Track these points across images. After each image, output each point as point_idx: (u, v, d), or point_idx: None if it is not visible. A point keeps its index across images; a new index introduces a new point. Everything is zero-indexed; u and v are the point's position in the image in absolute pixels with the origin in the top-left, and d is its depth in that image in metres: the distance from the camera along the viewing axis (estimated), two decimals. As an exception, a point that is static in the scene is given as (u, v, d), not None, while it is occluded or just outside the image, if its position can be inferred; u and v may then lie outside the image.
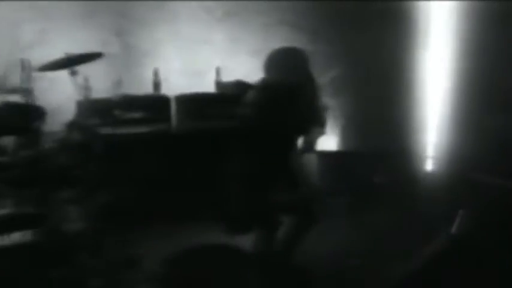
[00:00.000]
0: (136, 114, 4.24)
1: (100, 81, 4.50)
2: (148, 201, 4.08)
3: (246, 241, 3.39)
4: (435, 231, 3.31)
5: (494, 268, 2.87)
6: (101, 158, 3.55)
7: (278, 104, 3.12)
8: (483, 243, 3.03)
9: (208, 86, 4.74)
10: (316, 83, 3.28)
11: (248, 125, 3.18)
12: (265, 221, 3.27)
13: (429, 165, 5.51)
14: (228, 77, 4.64)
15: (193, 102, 4.45)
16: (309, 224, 3.29)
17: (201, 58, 4.89)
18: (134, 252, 3.49)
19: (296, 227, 3.29)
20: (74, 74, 3.47)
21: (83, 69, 4.08)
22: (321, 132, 3.52)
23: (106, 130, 3.98)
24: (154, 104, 4.40)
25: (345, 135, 5.37)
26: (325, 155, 4.90)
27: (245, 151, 3.20)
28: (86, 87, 4.21)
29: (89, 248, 3.41)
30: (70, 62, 3.46)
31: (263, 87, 3.20)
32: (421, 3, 5.26)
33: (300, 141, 3.42)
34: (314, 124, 3.41)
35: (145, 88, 4.58)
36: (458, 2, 5.11)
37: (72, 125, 3.55)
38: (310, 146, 3.45)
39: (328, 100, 5.06)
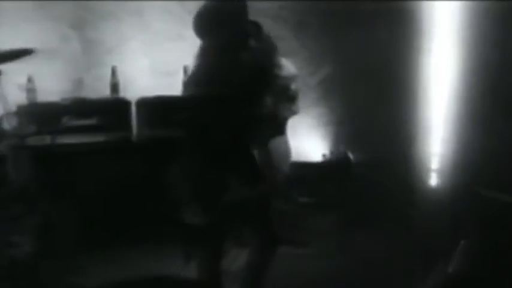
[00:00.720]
0: (89, 121, 3.87)
1: (54, 82, 4.20)
2: (97, 222, 3.67)
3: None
4: (435, 257, 3.08)
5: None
6: (33, 172, 3.08)
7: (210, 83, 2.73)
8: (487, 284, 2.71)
9: (179, 88, 4.26)
10: (266, 41, 2.73)
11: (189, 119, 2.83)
12: (218, 228, 2.81)
13: (433, 178, 5.03)
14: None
15: (156, 106, 4.06)
16: (271, 246, 2.92)
17: (172, 56, 4.47)
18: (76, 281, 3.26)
19: (260, 251, 2.93)
20: (-2, 73, 2.97)
21: (28, 68, 3.81)
22: (291, 110, 2.85)
23: (48, 139, 3.53)
24: (112, 109, 4.04)
25: (336, 143, 4.87)
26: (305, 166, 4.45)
27: (190, 149, 2.80)
28: (30, 89, 3.79)
29: (21, 277, 3.09)
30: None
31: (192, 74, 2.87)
32: (425, 3, 4.77)
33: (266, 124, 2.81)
34: (277, 99, 2.76)
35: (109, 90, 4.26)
36: (463, 2, 4.68)
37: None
38: (278, 128, 2.80)
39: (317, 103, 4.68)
